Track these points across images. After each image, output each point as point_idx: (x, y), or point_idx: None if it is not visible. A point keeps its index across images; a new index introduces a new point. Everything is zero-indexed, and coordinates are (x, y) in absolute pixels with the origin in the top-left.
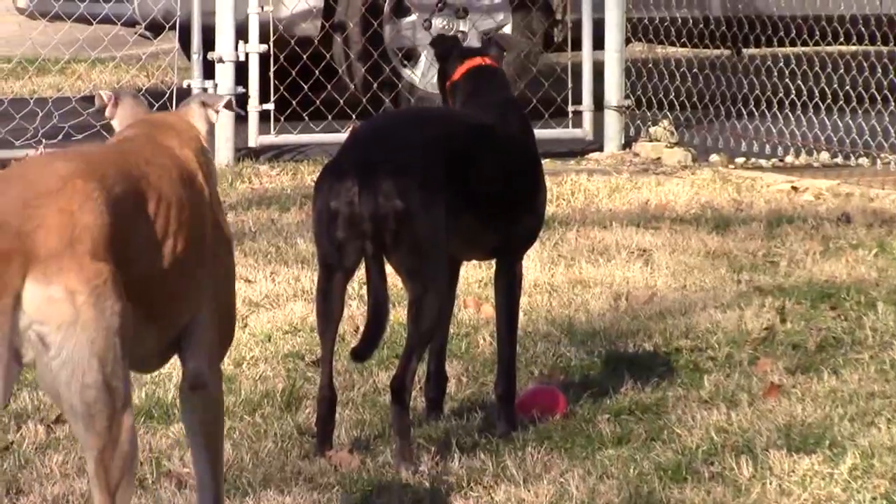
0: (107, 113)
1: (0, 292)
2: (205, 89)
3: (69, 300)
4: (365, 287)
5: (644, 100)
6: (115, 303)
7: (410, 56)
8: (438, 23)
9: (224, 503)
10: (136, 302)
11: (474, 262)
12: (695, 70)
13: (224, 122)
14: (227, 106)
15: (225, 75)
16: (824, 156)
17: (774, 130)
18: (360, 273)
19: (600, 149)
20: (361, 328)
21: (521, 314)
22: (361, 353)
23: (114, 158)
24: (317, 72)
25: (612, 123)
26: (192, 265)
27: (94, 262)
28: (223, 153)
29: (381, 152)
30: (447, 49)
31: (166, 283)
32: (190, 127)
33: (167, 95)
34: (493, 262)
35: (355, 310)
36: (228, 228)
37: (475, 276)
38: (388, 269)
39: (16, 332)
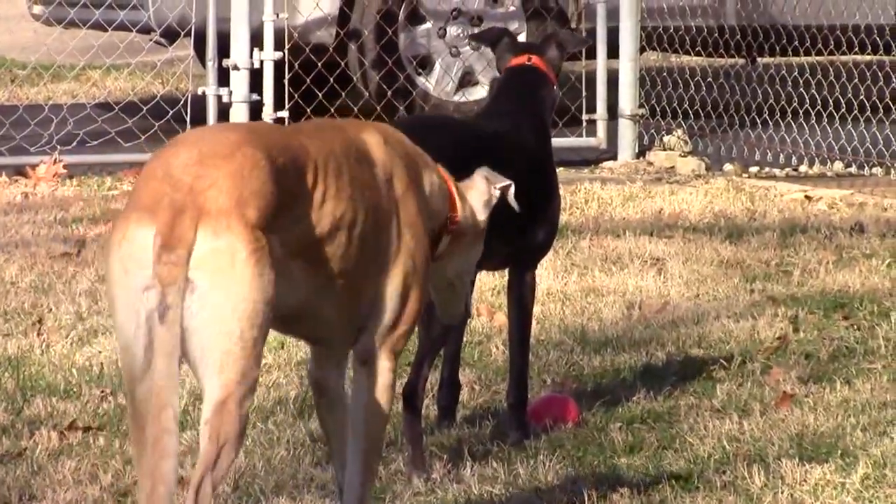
0: None
1: (175, 243)
2: (219, 96)
3: (230, 254)
4: None
5: (658, 109)
6: (268, 270)
7: (425, 64)
8: (453, 31)
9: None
10: (303, 272)
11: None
12: (709, 79)
13: None
14: (505, 190)
15: (240, 83)
16: (838, 165)
17: (788, 140)
18: None
19: (614, 157)
20: None
21: (533, 322)
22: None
23: (277, 131)
24: (331, 79)
25: (626, 132)
26: (362, 241)
27: (257, 227)
28: None
29: None
30: (494, 40)
31: (337, 262)
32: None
33: (182, 102)
34: (507, 270)
35: None
36: (417, 216)
37: (488, 284)
38: None
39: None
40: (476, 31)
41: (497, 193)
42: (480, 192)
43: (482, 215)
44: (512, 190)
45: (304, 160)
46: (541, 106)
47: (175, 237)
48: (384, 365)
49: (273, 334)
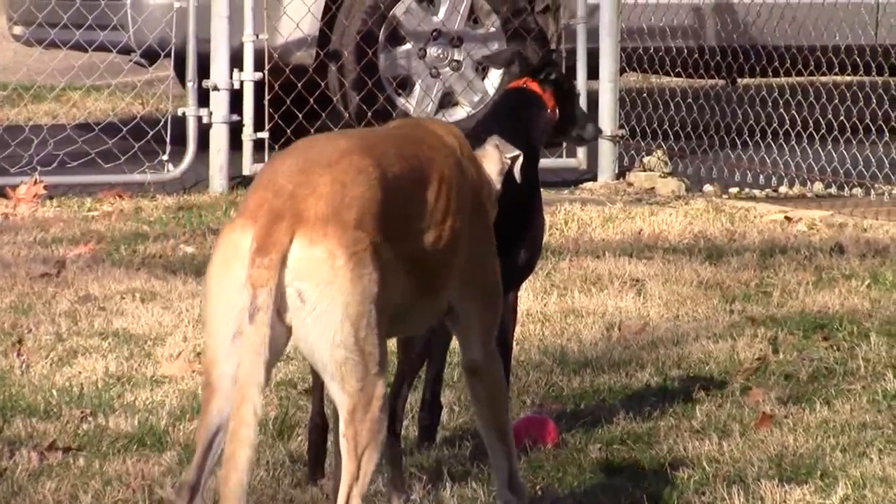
0: None
1: (270, 248)
2: (199, 117)
3: (329, 262)
4: None
5: (638, 130)
6: (372, 271)
7: (405, 85)
8: (433, 52)
9: (518, 478)
10: (409, 274)
11: None
12: (689, 100)
13: (218, 150)
14: (514, 159)
15: (220, 103)
16: (818, 186)
17: (768, 161)
18: None
19: (594, 178)
20: None
21: (514, 344)
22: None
23: (395, 141)
24: (311, 100)
25: (606, 153)
26: (458, 246)
27: (357, 230)
28: (217, 181)
29: None
30: (503, 62)
31: (438, 261)
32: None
33: (162, 123)
34: None
35: None
36: (489, 210)
37: None
38: None
39: (280, 286)
40: (456, 51)
41: (508, 162)
42: (495, 161)
43: (497, 185)
44: (520, 161)
45: (428, 172)
46: (528, 128)
47: (270, 242)
48: (492, 364)
49: None
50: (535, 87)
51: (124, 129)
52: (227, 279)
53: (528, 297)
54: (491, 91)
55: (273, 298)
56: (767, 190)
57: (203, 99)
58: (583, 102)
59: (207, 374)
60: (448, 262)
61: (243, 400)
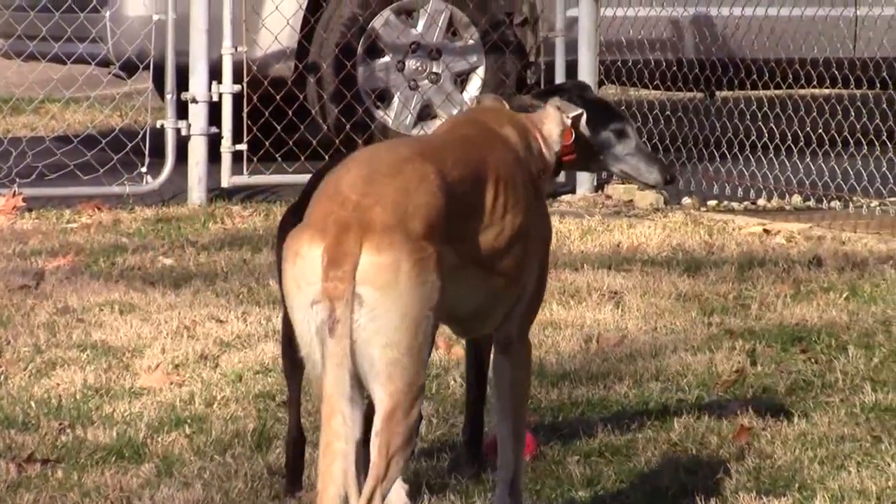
0: None
1: (342, 260)
2: (178, 129)
3: (394, 268)
4: None
5: None
6: (436, 279)
7: (384, 97)
8: (412, 64)
9: (521, 483)
10: (479, 270)
11: None
12: (667, 113)
13: (197, 162)
14: (577, 118)
15: (198, 115)
16: (796, 199)
17: (747, 173)
18: None
19: (572, 191)
20: None
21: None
22: None
23: (454, 145)
24: (290, 112)
25: None
26: (521, 238)
27: (422, 238)
28: (196, 193)
29: None
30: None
31: (505, 255)
32: (525, 123)
33: (140, 135)
34: None
35: None
36: (543, 197)
37: None
38: None
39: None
40: (435, 63)
41: (569, 122)
42: (556, 122)
43: (557, 146)
44: (584, 119)
45: (485, 173)
46: None
47: (341, 253)
48: (523, 347)
49: (232, 366)
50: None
51: (103, 142)
52: (304, 295)
53: None
54: (470, 104)
55: (351, 309)
56: (746, 202)
57: (182, 111)
58: None
59: (318, 398)
60: (516, 254)
61: (333, 412)
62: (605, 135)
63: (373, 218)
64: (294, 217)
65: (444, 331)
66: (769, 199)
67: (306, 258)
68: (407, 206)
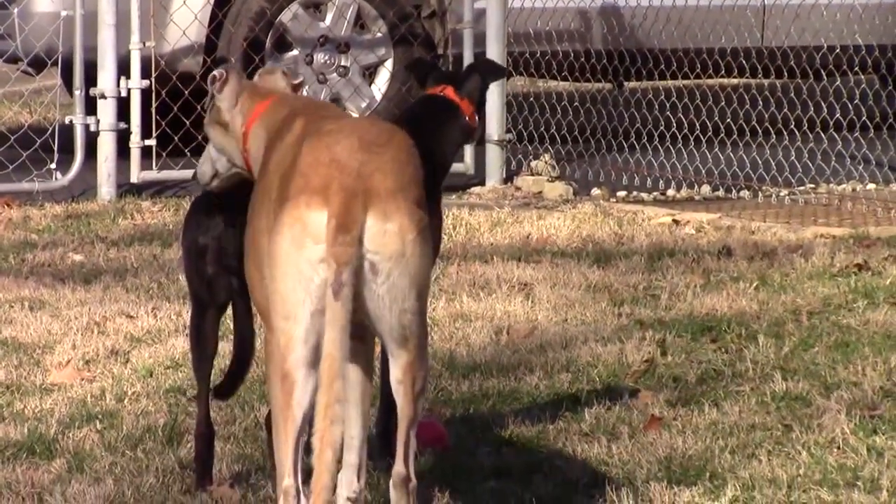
0: (216, 90)
1: (350, 225)
2: (87, 125)
3: (401, 236)
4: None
5: (525, 134)
6: (429, 247)
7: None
8: (320, 58)
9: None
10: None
11: None
12: (576, 104)
13: (106, 158)
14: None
15: (107, 111)
16: (705, 189)
17: (656, 164)
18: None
19: (482, 183)
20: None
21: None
22: (225, 391)
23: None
24: (199, 107)
25: (494, 157)
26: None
27: (419, 208)
28: (105, 189)
29: (249, 188)
30: (424, 74)
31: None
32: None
33: (49, 132)
34: None
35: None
36: None
37: None
38: None
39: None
40: (343, 57)
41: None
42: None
43: None
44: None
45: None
46: (437, 134)
47: (350, 219)
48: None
49: (142, 361)
50: (451, 94)
51: (12, 138)
52: (302, 258)
53: None
54: (378, 97)
55: (356, 274)
56: (655, 193)
57: (90, 107)
58: None
59: (283, 360)
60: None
61: (335, 376)
62: None
63: (376, 185)
64: (198, 211)
65: None
66: (678, 189)
67: (308, 221)
68: (404, 175)
